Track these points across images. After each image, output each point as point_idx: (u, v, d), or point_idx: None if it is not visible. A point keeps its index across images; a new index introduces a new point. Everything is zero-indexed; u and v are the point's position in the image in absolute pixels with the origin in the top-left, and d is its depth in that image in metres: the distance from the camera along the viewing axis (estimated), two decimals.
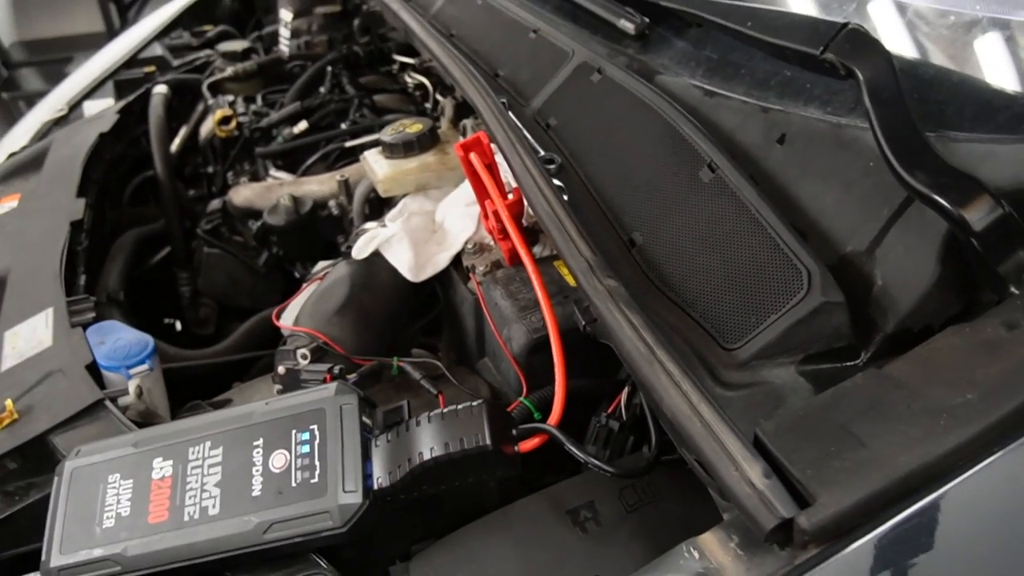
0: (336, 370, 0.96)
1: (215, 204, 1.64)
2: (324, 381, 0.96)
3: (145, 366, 1.02)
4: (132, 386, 0.97)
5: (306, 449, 0.79)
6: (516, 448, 0.79)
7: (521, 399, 0.96)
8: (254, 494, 0.77)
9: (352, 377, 0.98)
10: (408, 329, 1.20)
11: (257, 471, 0.78)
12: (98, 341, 1.04)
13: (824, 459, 0.57)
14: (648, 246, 0.89)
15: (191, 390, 1.30)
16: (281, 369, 0.99)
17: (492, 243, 1.15)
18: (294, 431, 0.80)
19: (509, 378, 1.06)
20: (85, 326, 1.08)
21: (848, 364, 0.75)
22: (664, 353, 0.69)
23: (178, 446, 0.81)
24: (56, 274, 1.17)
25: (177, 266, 1.68)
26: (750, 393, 0.73)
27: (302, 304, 1.10)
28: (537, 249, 1.10)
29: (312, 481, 0.77)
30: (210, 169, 1.89)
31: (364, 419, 0.81)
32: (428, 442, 0.76)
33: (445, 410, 0.78)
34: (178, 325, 1.70)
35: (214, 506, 0.76)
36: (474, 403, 0.78)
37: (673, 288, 0.84)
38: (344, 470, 0.77)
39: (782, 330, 0.74)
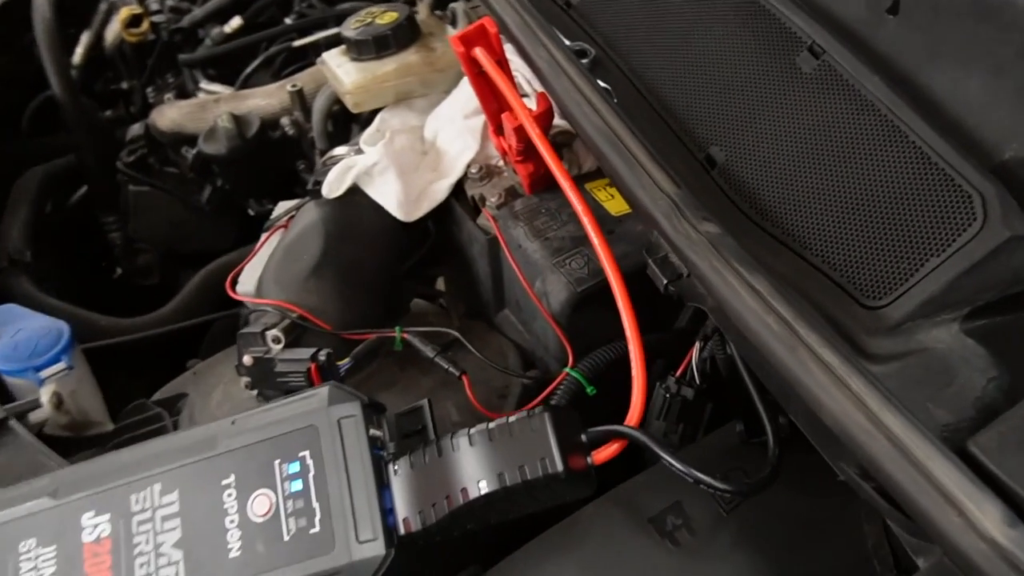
0: (322, 356, 0.76)
1: (136, 130, 1.36)
2: (309, 372, 0.75)
3: (61, 364, 0.80)
4: (46, 395, 0.76)
5: (298, 486, 0.59)
6: (589, 460, 0.61)
7: (567, 370, 0.78)
8: (232, 555, 0.57)
9: (346, 363, 0.78)
10: (400, 280, 0.99)
11: (232, 522, 0.58)
12: None
13: None
14: (733, 165, 0.68)
15: (135, 370, 1.09)
16: (248, 359, 0.77)
17: (502, 164, 0.93)
18: (277, 462, 0.60)
19: (544, 338, 0.86)
20: None
21: (1021, 312, 0.57)
22: (812, 334, 0.50)
23: (115, 492, 0.60)
24: None
25: (99, 209, 1.42)
26: (906, 366, 0.56)
27: (264, 265, 0.88)
28: None
29: (312, 531, 0.57)
30: (125, 84, 1.60)
31: (373, 432, 0.62)
32: (475, 472, 0.57)
33: (493, 425, 0.59)
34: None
35: None
36: (533, 412, 0.58)
37: (777, 223, 0.64)
38: (355, 511, 0.57)
39: (950, 279, 0.55)
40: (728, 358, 0.75)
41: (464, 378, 0.77)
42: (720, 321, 0.59)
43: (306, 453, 0.60)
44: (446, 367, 0.77)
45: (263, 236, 0.95)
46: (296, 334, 0.79)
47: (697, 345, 0.78)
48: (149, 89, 1.55)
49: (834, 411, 0.48)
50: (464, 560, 0.74)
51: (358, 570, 0.56)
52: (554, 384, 0.77)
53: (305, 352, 0.76)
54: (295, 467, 0.59)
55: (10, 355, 0.79)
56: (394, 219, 0.90)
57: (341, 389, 0.63)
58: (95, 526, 0.59)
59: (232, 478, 0.60)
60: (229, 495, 0.59)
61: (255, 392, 0.80)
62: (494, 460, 0.57)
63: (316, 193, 0.91)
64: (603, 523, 0.69)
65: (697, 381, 0.78)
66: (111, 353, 1.07)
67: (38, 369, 0.79)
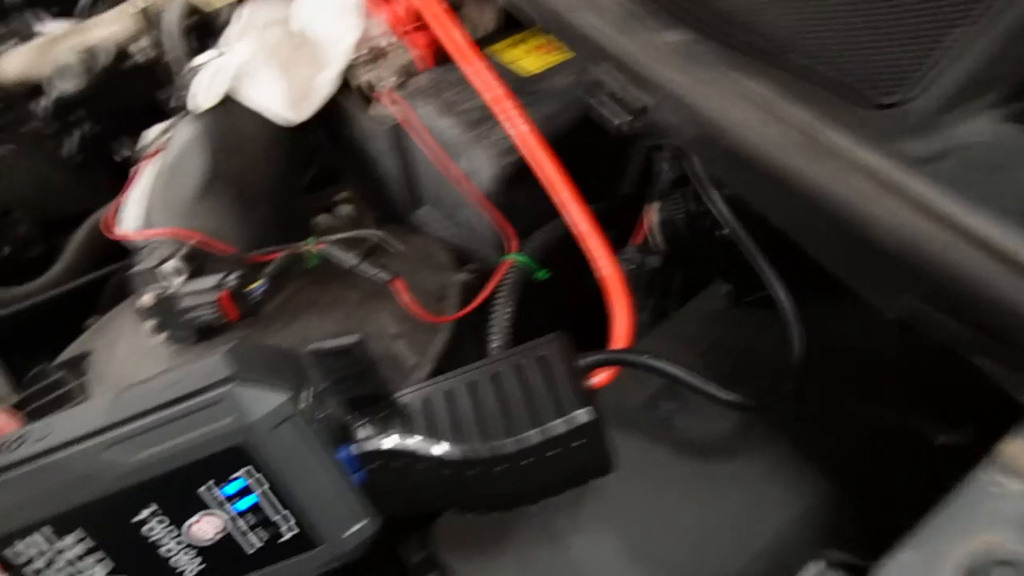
0: (232, 280, 0.57)
1: None
2: (218, 301, 0.56)
3: None
4: None
5: (251, 501, 0.42)
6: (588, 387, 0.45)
7: (513, 256, 0.61)
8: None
9: (260, 284, 0.61)
10: (299, 197, 0.79)
11: (169, 552, 0.42)
12: None
13: None
14: None
15: (30, 339, 0.88)
16: (148, 298, 0.59)
17: (385, 44, 0.73)
18: (212, 483, 0.41)
19: (476, 226, 0.69)
20: None
21: None
22: (845, 135, 0.35)
23: None
24: None
25: None
26: (942, 172, 0.40)
27: (146, 197, 0.67)
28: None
29: (281, 540, 0.42)
30: None
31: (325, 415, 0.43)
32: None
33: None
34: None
35: None
36: (540, 346, 0.42)
37: (746, 27, 0.48)
38: (332, 504, 0.42)
39: (987, 52, 0.39)
40: (690, 216, 0.59)
41: (398, 283, 0.59)
42: (705, 151, 0.43)
43: (249, 468, 0.41)
44: (373, 273, 0.59)
45: (135, 169, 0.74)
46: (196, 262, 0.61)
47: (655, 205, 0.62)
48: None
49: (896, 226, 0.32)
50: None
51: (345, 554, 0.43)
52: (500, 274, 0.60)
53: (212, 280, 0.59)
54: (238, 485, 0.41)
55: None
56: (278, 128, 0.71)
57: (253, 386, 0.40)
58: None
59: (154, 506, 0.41)
60: (161, 523, 0.41)
61: (163, 336, 0.61)
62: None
63: (184, 109, 0.69)
64: None
65: (661, 246, 0.62)
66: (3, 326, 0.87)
67: None
